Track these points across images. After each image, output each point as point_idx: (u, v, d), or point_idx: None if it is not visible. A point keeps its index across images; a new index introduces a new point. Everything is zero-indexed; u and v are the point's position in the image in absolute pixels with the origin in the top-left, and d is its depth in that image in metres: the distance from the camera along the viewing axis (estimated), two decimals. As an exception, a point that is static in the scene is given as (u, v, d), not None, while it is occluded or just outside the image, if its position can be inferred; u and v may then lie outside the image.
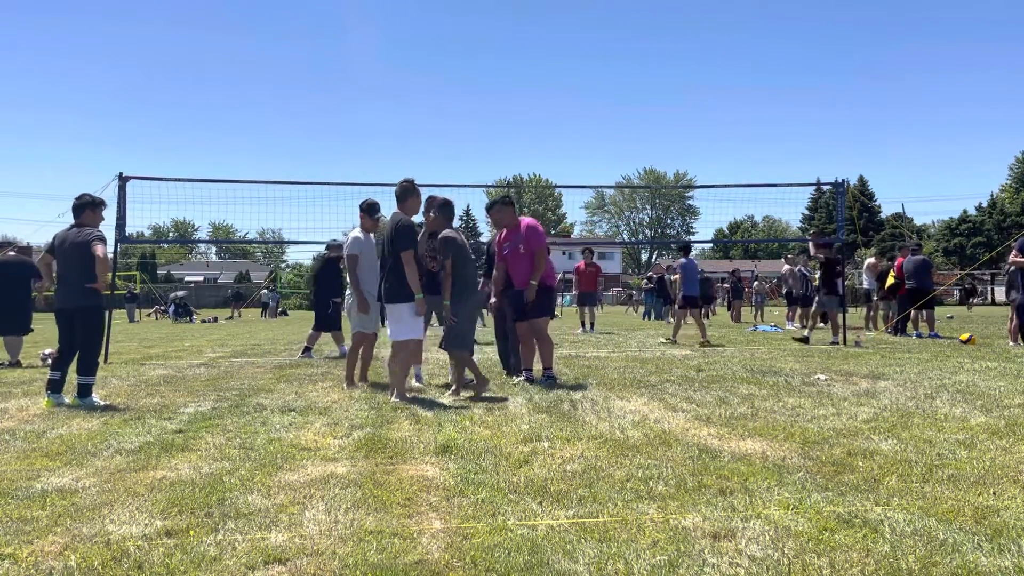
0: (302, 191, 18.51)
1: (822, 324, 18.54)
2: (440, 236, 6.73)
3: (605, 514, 3.17)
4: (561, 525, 3.04)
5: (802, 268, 18.76)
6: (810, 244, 13.84)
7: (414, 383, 7.42)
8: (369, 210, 7.53)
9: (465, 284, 6.66)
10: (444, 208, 6.89)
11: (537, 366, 7.69)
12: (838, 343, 12.33)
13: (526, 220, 7.59)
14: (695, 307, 13.32)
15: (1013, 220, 56.38)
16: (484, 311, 10.05)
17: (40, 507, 3.35)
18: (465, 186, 14.45)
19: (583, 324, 17.48)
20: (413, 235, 6.42)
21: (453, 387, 6.80)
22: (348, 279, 7.76)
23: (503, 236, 7.67)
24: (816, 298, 12.90)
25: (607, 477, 3.76)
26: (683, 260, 14.18)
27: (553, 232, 77.05)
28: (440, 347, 7.00)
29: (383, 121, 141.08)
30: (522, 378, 7.52)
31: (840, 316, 12.74)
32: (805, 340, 12.40)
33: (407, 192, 6.58)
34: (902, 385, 7.00)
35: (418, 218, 6.94)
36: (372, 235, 7.51)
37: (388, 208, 7.78)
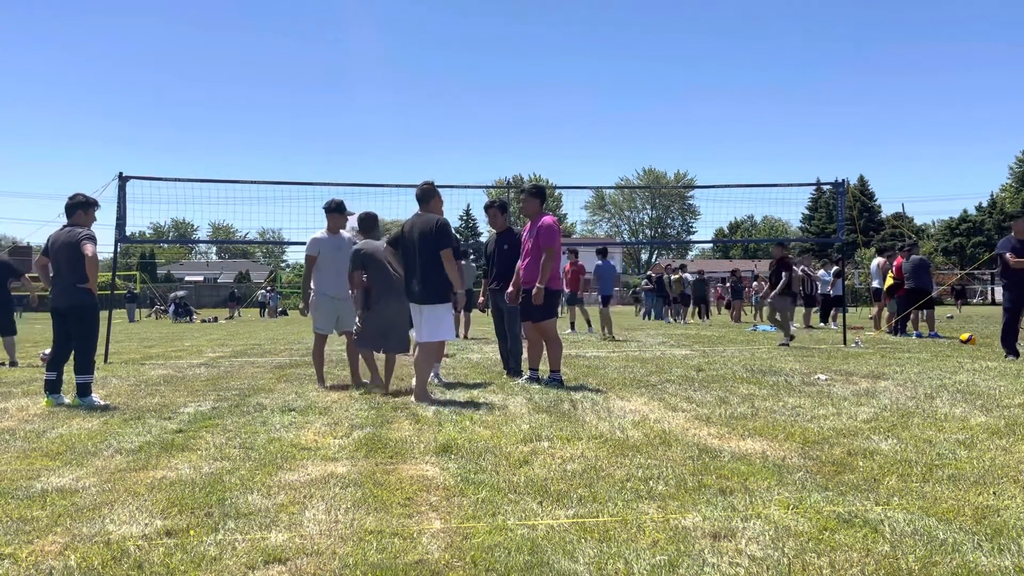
0: (302, 191, 18.53)
1: (822, 324, 18.59)
2: (354, 248, 7.09)
3: (605, 514, 3.17)
4: (561, 525, 3.04)
5: (804, 268, 18.78)
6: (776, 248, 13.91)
7: (433, 380, 7.51)
8: (338, 209, 7.54)
9: (377, 290, 6.85)
10: (365, 220, 7.30)
11: (543, 367, 7.67)
12: (787, 345, 12.16)
13: (546, 218, 7.43)
14: (607, 305, 15.35)
15: (1013, 220, 56.34)
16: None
17: (40, 507, 3.35)
18: (465, 187, 14.44)
19: (572, 324, 17.78)
20: (452, 233, 6.52)
21: (369, 382, 6.98)
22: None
23: (526, 228, 7.62)
24: (767, 300, 12.87)
25: (607, 477, 3.76)
26: (600, 262, 14.97)
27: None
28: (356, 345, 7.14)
29: (383, 121, 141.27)
30: (526, 378, 7.51)
31: (790, 316, 12.68)
32: (790, 338, 12.37)
33: (428, 194, 6.62)
34: (902, 385, 7.00)
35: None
36: (343, 234, 7.54)
37: (386, 207, 7.86)
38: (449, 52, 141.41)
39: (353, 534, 2.96)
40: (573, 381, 7.56)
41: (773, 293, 12.55)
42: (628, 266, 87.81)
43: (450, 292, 6.41)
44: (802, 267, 18.79)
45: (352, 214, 7.79)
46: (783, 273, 12.51)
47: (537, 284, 7.21)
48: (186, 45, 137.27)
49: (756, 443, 4.50)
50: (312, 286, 7.41)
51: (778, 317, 12.64)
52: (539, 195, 7.64)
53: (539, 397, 6.40)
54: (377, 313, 6.88)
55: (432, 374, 7.59)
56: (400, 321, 7.03)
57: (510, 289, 7.64)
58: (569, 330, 17.20)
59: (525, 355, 7.96)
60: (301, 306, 7.60)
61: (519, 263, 7.56)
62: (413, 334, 6.87)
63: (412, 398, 6.33)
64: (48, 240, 6.56)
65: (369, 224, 7.27)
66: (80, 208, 6.56)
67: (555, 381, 7.20)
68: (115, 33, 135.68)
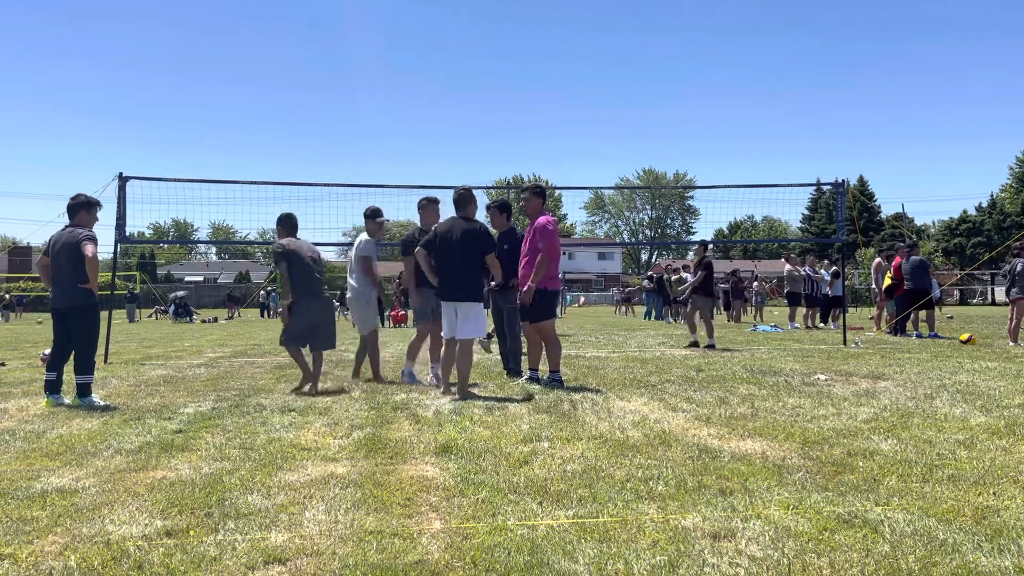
0: (302, 191, 18.54)
1: (821, 324, 18.59)
2: (273, 246, 7.29)
3: (605, 514, 3.17)
4: (561, 525, 3.04)
5: (808, 268, 18.78)
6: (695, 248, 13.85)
7: (429, 379, 7.62)
8: (374, 215, 8.00)
9: (298, 289, 7.10)
10: (286, 220, 7.40)
11: (543, 367, 7.67)
12: (714, 345, 11.95)
13: (542, 218, 7.41)
14: None
15: (1013, 220, 56.38)
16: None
17: (40, 507, 3.35)
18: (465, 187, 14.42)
19: None
20: (493, 239, 6.96)
21: (308, 385, 7.09)
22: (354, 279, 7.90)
23: (528, 228, 7.61)
24: (687, 300, 12.70)
25: (607, 477, 3.76)
26: None
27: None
28: (280, 342, 7.32)
29: (383, 122, 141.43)
30: (526, 377, 7.51)
31: (712, 318, 12.57)
32: (696, 344, 12.18)
33: (466, 199, 6.96)
34: (902, 385, 7.00)
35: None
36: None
37: (386, 207, 7.98)
38: (449, 53, 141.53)
39: (353, 534, 2.96)
40: (573, 381, 7.56)
41: (695, 296, 12.39)
42: (628, 266, 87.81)
43: (482, 291, 6.81)
44: (805, 268, 18.80)
45: (388, 220, 8.16)
46: (704, 273, 12.41)
47: (529, 283, 7.20)
48: (187, 46, 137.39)
49: (756, 443, 4.50)
50: (364, 287, 7.79)
51: (698, 317, 12.44)
52: (540, 195, 7.64)
53: (539, 397, 6.40)
54: (300, 312, 7.13)
55: (431, 375, 7.63)
56: (325, 319, 7.33)
57: (524, 289, 7.59)
58: None
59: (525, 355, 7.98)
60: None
61: (520, 264, 7.55)
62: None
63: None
64: (50, 240, 6.56)
65: (292, 224, 7.48)
66: (82, 208, 6.56)
67: (555, 381, 7.20)
68: (116, 35, 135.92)
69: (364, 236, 7.97)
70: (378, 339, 7.98)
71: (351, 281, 7.88)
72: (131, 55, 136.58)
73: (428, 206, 7.90)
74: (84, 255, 6.22)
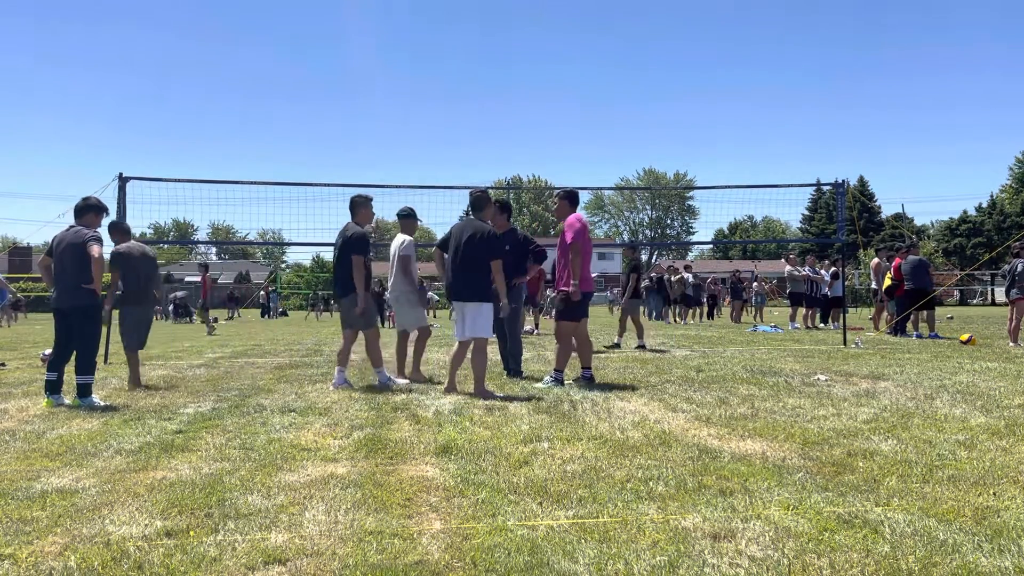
0: (302, 192, 18.52)
1: (821, 325, 18.59)
2: (112, 251, 7.58)
3: (605, 514, 3.17)
4: (561, 525, 3.04)
5: (808, 268, 18.78)
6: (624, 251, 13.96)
7: (399, 379, 7.74)
8: (413, 215, 8.21)
9: (130, 295, 7.52)
10: (120, 225, 7.87)
11: (596, 362, 7.67)
12: (643, 346, 12.05)
13: (571, 216, 7.38)
14: None
15: (1013, 221, 56.42)
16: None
17: (40, 507, 3.35)
18: (465, 187, 14.41)
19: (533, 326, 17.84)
20: (502, 245, 6.97)
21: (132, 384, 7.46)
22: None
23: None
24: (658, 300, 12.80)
25: (607, 477, 3.76)
26: None
27: (552, 232, 77.06)
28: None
29: (383, 123, 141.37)
30: (581, 376, 7.51)
31: (641, 319, 12.62)
32: (617, 345, 12.23)
33: (482, 202, 7.07)
34: (902, 386, 7.00)
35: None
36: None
37: (386, 207, 8.00)
38: (448, 55, 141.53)
39: (353, 535, 2.96)
40: (573, 381, 7.56)
41: (625, 297, 12.57)
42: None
43: (488, 292, 6.82)
44: (806, 268, 18.81)
45: (421, 221, 8.40)
46: (632, 275, 12.48)
47: (573, 283, 7.13)
48: (186, 49, 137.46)
49: (756, 444, 4.50)
50: (405, 286, 7.92)
51: (631, 320, 12.53)
52: (566, 197, 7.60)
53: (539, 397, 6.39)
54: (130, 316, 7.54)
55: (381, 377, 7.45)
56: (146, 322, 7.72)
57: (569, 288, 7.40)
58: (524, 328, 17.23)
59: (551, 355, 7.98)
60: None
61: (558, 265, 7.62)
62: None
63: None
64: (53, 240, 6.54)
65: (125, 229, 7.89)
66: (92, 211, 6.60)
67: (556, 381, 7.21)
68: (116, 38, 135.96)
69: (405, 237, 8.05)
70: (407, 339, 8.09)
71: (392, 281, 7.98)
72: (132, 58, 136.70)
73: (362, 205, 7.56)
74: (90, 255, 6.22)
